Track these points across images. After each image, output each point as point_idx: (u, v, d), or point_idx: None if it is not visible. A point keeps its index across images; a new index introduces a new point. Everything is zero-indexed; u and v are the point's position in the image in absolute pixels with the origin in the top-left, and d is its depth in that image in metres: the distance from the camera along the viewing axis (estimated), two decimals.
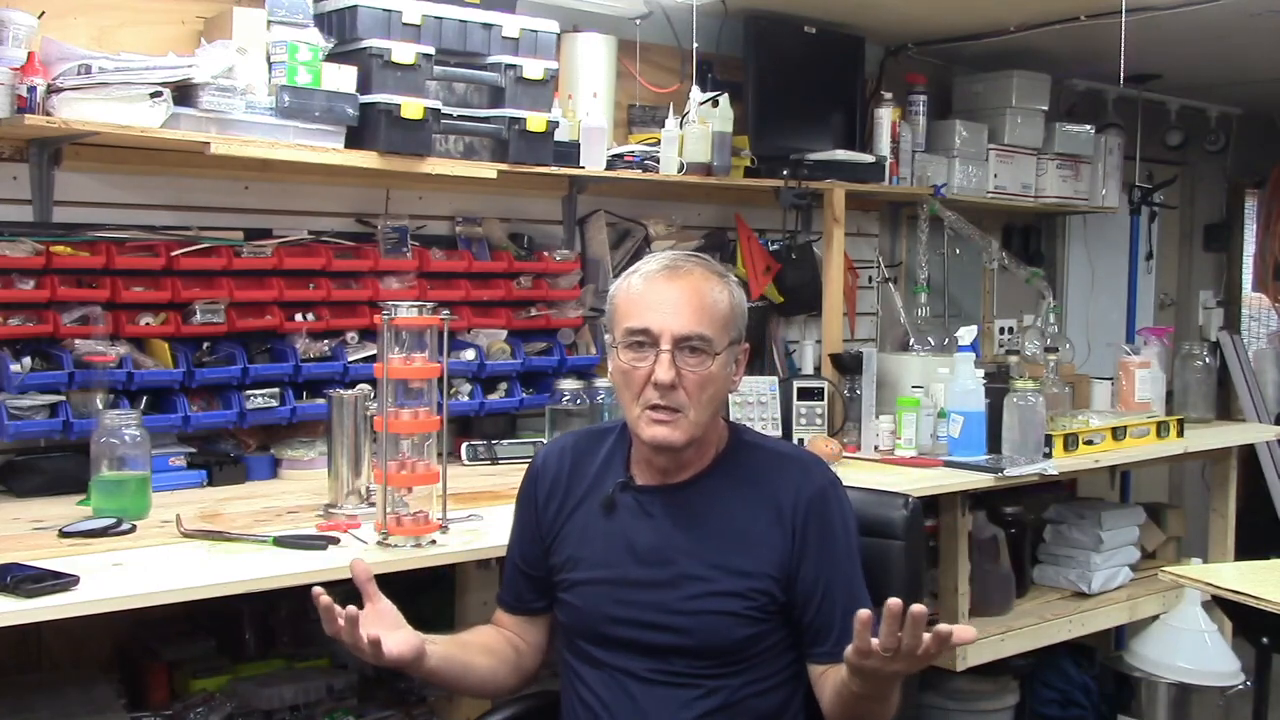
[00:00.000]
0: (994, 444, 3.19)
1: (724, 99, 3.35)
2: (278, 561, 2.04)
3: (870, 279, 4.21)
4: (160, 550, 2.08)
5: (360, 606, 1.71)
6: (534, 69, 2.87)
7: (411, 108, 2.68)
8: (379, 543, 2.14)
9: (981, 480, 3.03)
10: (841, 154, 3.70)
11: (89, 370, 2.49)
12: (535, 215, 3.34)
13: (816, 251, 3.84)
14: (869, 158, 3.80)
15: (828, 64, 3.83)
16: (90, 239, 2.58)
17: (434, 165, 2.78)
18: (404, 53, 2.67)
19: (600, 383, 3.09)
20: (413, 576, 2.19)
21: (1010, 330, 4.70)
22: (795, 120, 3.71)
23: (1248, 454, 4.89)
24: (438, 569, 2.24)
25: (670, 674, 1.79)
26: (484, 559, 2.18)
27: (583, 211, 3.43)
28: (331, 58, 2.67)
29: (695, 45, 3.31)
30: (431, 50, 2.73)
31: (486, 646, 1.92)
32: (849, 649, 1.56)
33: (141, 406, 2.56)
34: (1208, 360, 4.21)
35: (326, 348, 2.82)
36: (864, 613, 1.53)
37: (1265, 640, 2.55)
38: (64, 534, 2.13)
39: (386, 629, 1.72)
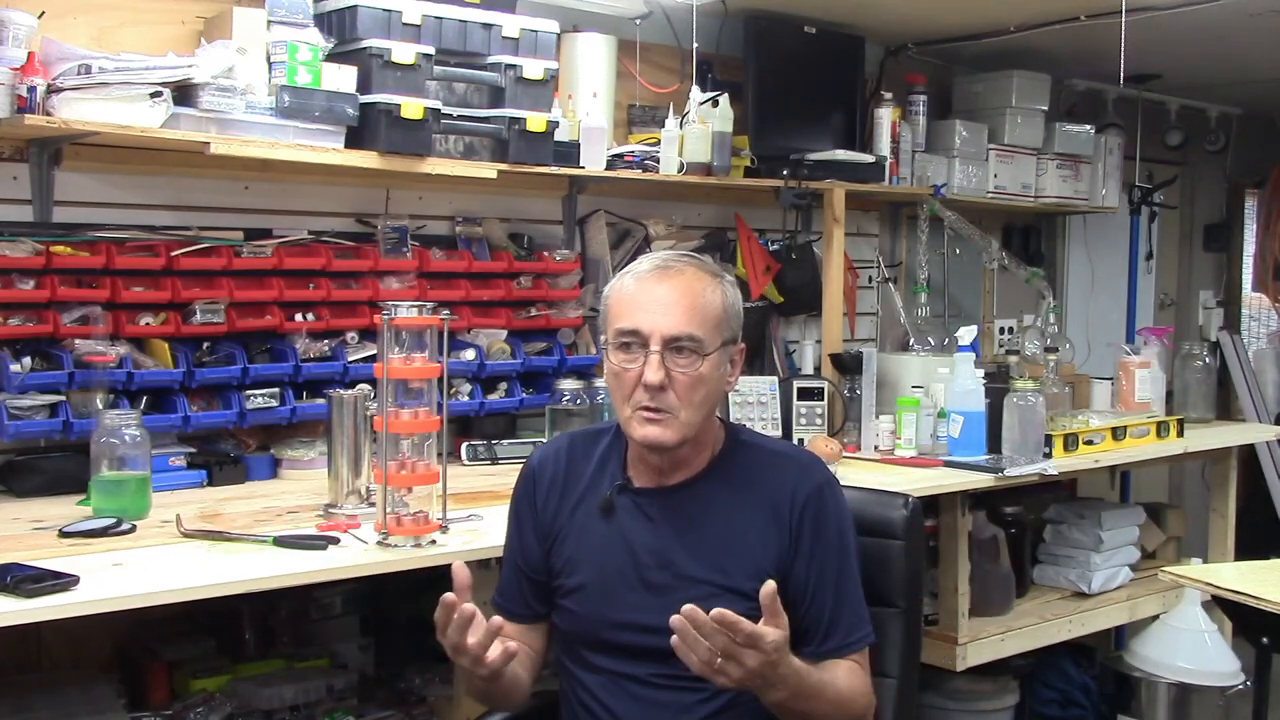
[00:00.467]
0: (994, 444, 3.19)
1: (724, 99, 3.35)
2: (278, 561, 2.04)
3: (870, 279, 4.21)
4: (160, 550, 2.08)
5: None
6: (534, 69, 2.87)
7: (411, 108, 2.68)
8: (379, 543, 2.14)
9: (981, 480, 3.03)
10: (841, 154, 3.70)
11: (89, 370, 2.49)
12: (535, 215, 3.34)
13: (816, 251, 3.84)
14: (869, 158, 3.80)
15: (828, 64, 3.83)
16: (90, 239, 2.58)
17: (434, 165, 2.78)
18: (404, 53, 2.67)
19: (600, 383, 3.09)
20: (413, 576, 2.19)
21: (1010, 330, 4.70)
22: (795, 120, 3.71)
23: (1248, 454, 4.90)
24: (438, 569, 2.24)
25: (672, 678, 1.78)
26: (484, 559, 2.18)
27: (583, 211, 3.43)
28: (331, 58, 2.67)
29: (695, 45, 3.31)
30: (431, 50, 2.73)
31: (519, 657, 1.91)
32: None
33: (141, 406, 2.56)
34: (1208, 360, 4.21)
35: (326, 348, 2.82)
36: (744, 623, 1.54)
37: (1265, 640, 2.55)
38: (64, 534, 2.13)
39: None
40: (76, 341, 2.50)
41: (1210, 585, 2.51)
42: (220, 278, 2.68)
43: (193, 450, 2.68)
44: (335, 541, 2.14)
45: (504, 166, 2.89)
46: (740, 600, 1.75)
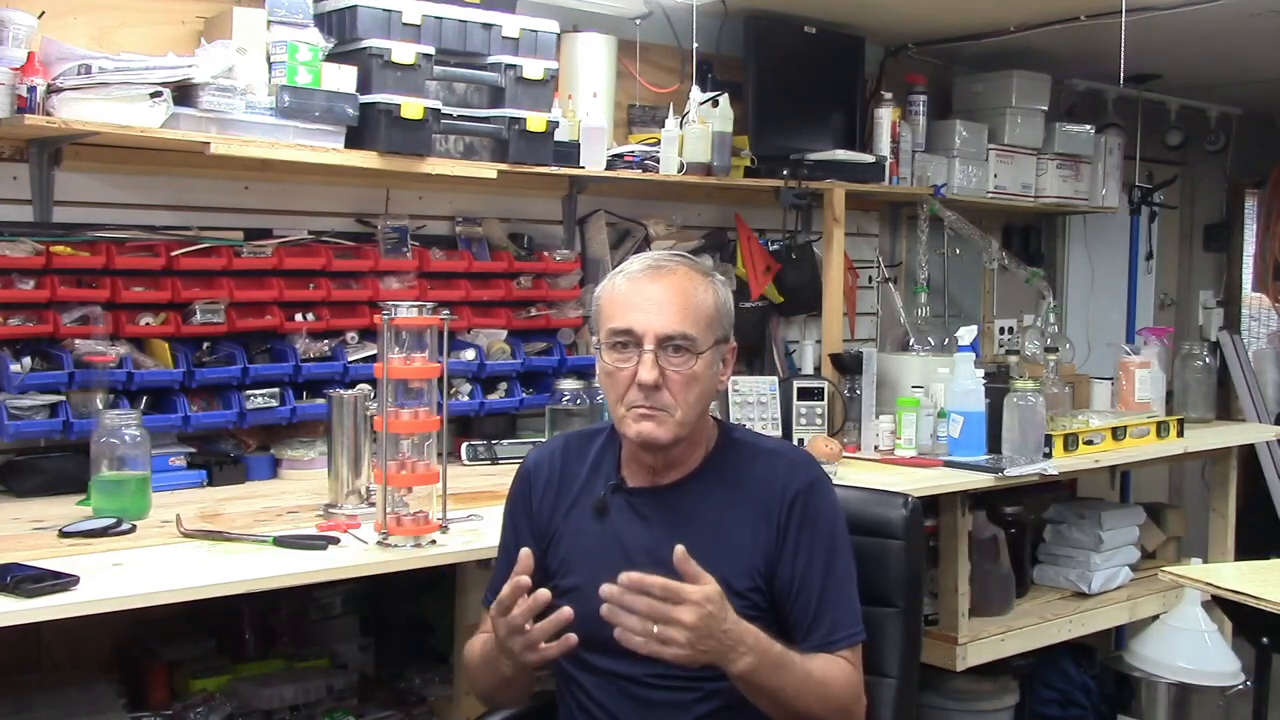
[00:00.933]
0: (994, 444, 3.19)
1: (724, 99, 3.35)
2: (278, 561, 2.04)
3: (870, 279, 4.21)
4: (160, 550, 2.08)
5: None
6: (534, 69, 2.87)
7: (411, 108, 2.68)
8: (379, 543, 2.14)
9: (981, 480, 3.03)
10: (841, 154, 3.69)
11: (89, 370, 2.49)
12: (535, 215, 3.34)
13: (816, 251, 3.84)
14: (869, 158, 3.79)
15: (828, 64, 3.83)
16: (90, 239, 2.58)
17: (434, 165, 2.78)
18: (404, 53, 2.67)
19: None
20: (413, 576, 2.19)
21: (1010, 330, 4.70)
22: (795, 120, 3.71)
23: (1248, 454, 4.90)
24: (438, 569, 2.24)
25: (668, 677, 1.78)
26: (484, 559, 2.18)
27: (583, 211, 3.43)
28: (331, 58, 2.67)
29: (695, 45, 3.31)
30: (431, 50, 2.73)
31: None
32: None
33: (141, 406, 2.56)
34: (1208, 360, 4.21)
35: (326, 348, 2.82)
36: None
37: (1265, 640, 2.55)
38: (64, 534, 2.13)
39: None
40: (76, 341, 2.50)
41: (1210, 585, 2.51)
42: (220, 278, 2.68)
43: (193, 450, 2.68)
44: (335, 541, 2.14)
45: (504, 166, 2.89)
46: (734, 599, 1.75)
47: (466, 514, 2.35)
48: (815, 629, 1.77)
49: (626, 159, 3.25)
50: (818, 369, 3.68)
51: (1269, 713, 2.71)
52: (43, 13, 2.44)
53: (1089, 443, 3.36)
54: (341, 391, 2.45)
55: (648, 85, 3.52)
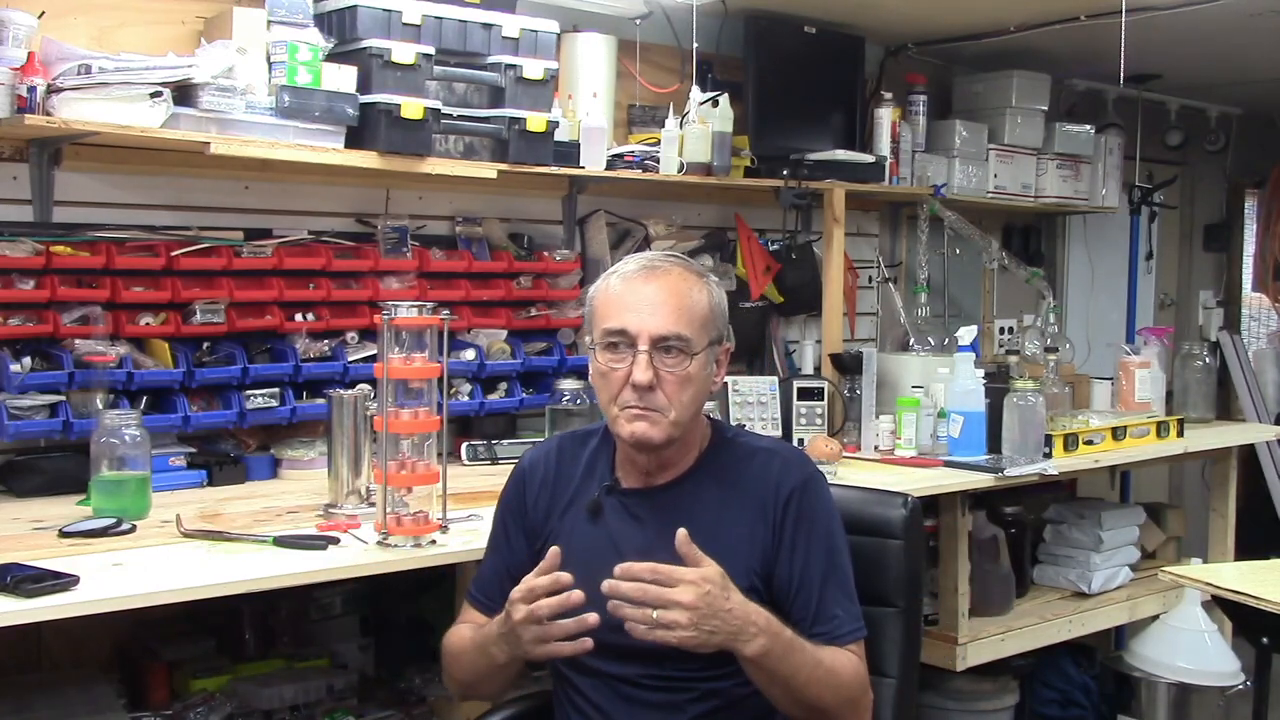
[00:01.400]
0: (994, 444, 3.19)
1: (724, 99, 3.35)
2: (278, 561, 2.04)
3: (870, 279, 4.21)
4: (160, 550, 2.08)
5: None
6: (534, 69, 2.87)
7: (411, 108, 2.68)
8: (379, 543, 2.14)
9: (981, 480, 3.03)
10: (841, 154, 3.69)
11: (89, 370, 2.49)
12: (535, 215, 3.34)
13: (816, 251, 3.84)
14: (869, 158, 3.80)
15: (828, 64, 3.83)
16: (90, 239, 2.58)
17: (434, 165, 2.78)
18: (404, 53, 2.67)
19: None
20: (413, 576, 2.19)
21: (1010, 330, 4.70)
22: (795, 120, 3.71)
23: (1248, 454, 4.89)
24: (438, 569, 2.24)
25: (663, 678, 1.78)
26: (483, 559, 2.18)
27: (583, 211, 3.43)
28: (331, 58, 2.67)
29: (695, 45, 3.31)
30: (431, 50, 2.73)
31: None
32: None
33: (141, 406, 2.56)
34: (1208, 360, 4.21)
35: (326, 348, 2.82)
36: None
37: (1265, 640, 2.55)
38: (64, 534, 2.13)
39: None
40: (76, 341, 2.50)
41: (1210, 585, 2.51)
42: (220, 278, 2.68)
43: (193, 450, 2.68)
44: (335, 541, 2.14)
45: (504, 166, 2.89)
46: None
47: (466, 514, 2.35)
48: (817, 625, 1.76)
49: (626, 159, 3.24)
50: (818, 369, 3.68)
51: (1269, 713, 2.71)
52: (43, 13, 2.44)
53: (1089, 443, 3.36)
54: (341, 391, 2.45)
55: (648, 85, 3.52)
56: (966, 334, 3.26)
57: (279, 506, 2.47)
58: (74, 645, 2.50)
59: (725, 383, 3.04)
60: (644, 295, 1.77)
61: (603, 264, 3.38)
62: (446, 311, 2.15)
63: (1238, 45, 4.07)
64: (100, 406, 2.47)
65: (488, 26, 2.84)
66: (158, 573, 1.94)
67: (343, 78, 2.63)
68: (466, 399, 3.01)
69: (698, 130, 3.28)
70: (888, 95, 3.93)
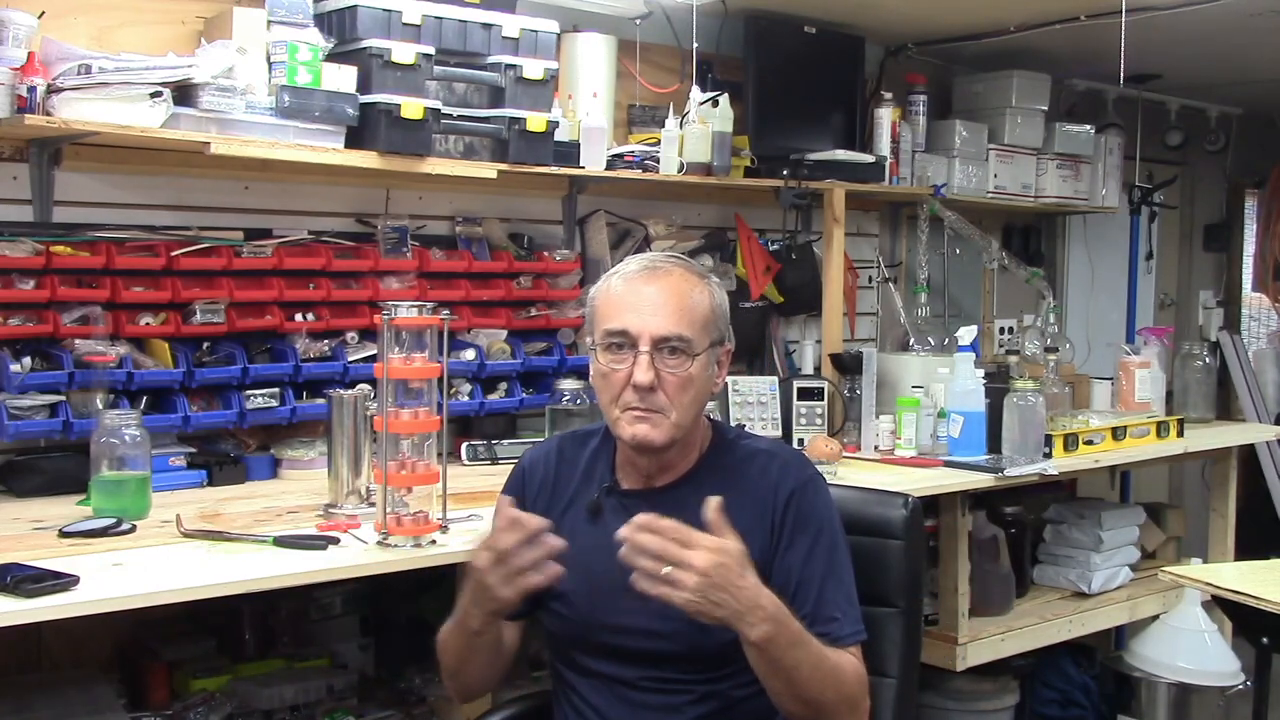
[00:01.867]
0: (994, 444, 3.19)
1: (724, 99, 3.35)
2: (278, 561, 2.04)
3: (870, 279, 4.21)
4: (160, 550, 2.08)
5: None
6: (534, 69, 2.87)
7: (411, 108, 2.68)
8: (379, 543, 2.14)
9: (981, 480, 3.03)
10: (841, 154, 3.69)
11: (89, 370, 2.49)
12: (535, 215, 3.34)
13: (816, 251, 3.84)
14: (869, 158, 3.80)
15: (828, 64, 3.83)
16: (90, 239, 2.58)
17: (434, 165, 2.78)
18: (404, 53, 2.67)
19: None
20: (413, 576, 2.19)
21: (1010, 330, 4.70)
22: (795, 120, 3.71)
23: (1248, 454, 4.90)
24: (438, 569, 2.24)
25: (662, 680, 1.78)
26: None
27: (583, 211, 3.43)
28: (331, 58, 2.67)
29: (695, 45, 3.31)
30: (431, 50, 2.73)
31: (493, 647, 1.91)
32: None
33: (141, 406, 2.56)
34: (1208, 360, 4.21)
35: (326, 348, 2.82)
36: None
37: (1265, 640, 2.55)
38: (64, 534, 2.13)
39: None
40: (76, 341, 2.50)
41: (1210, 585, 2.51)
42: (220, 278, 2.68)
43: (193, 450, 2.68)
44: (335, 541, 2.14)
45: (504, 166, 2.89)
46: None
47: (466, 514, 2.35)
48: (817, 626, 1.74)
49: (626, 159, 3.24)
50: (818, 369, 3.68)
51: (1269, 713, 2.71)
52: (43, 13, 2.44)
53: (1089, 443, 3.36)
54: (341, 391, 2.45)
55: (648, 85, 3.52)
56: (966, 334, 3.26)
57: (279, 506, 2.47)
58: (74, 645, 2.50)
59: (725, 383, 3.04)
60: (646, 296, 1.77)
61: (603, 264, 3.38)
62: (446, 311, 2.15)
63: (1238, 45, 4.07)
64: (100, 406, 2.47)
65: (488, 26, 2.84)
66: (158, 573, 1.94)
67: (343, 78, 2.63)
68: (466, 399, 3.01)
69: (698, 130, 3.28)
70: (888, 95, 3.93)
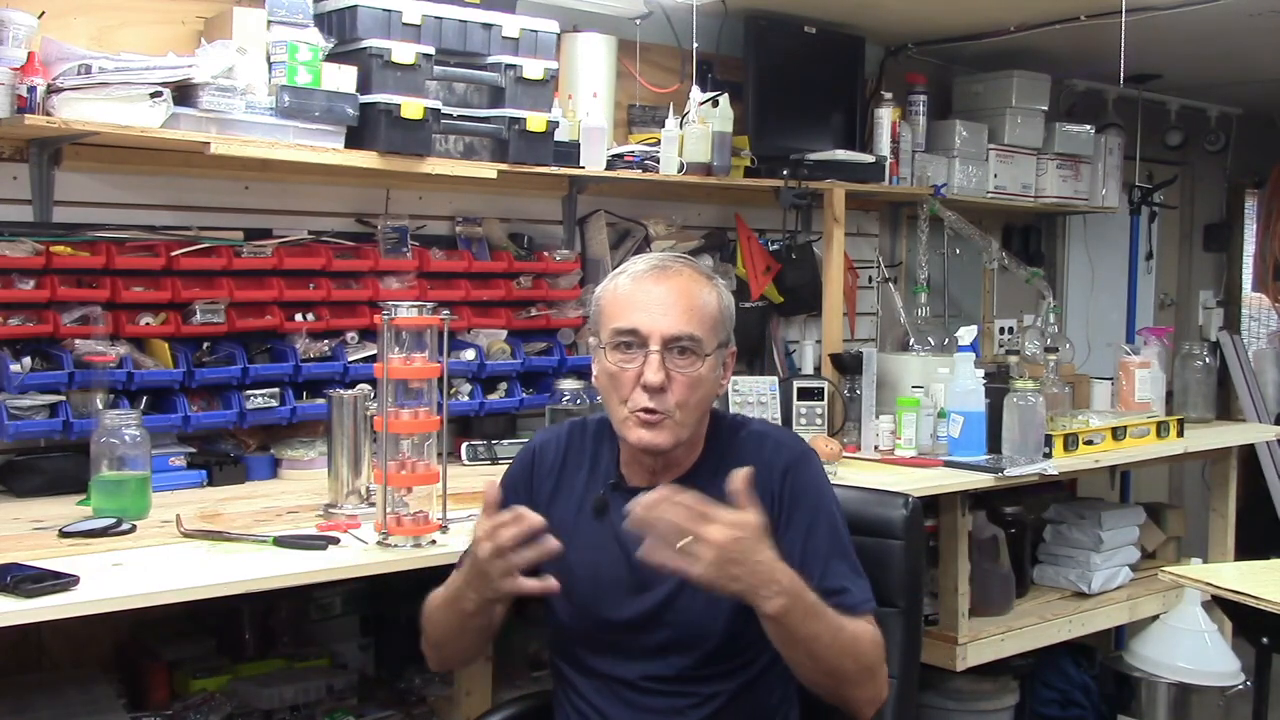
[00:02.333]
0: (994, 444, 3.19)
1: (724, 99, 3.35)
2: (278, 561, 2.04)
3: (870, 279, 4.21)
4: (160, 550, 2.08)
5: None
6: (534, 69, 2.87)
7: (411, 108, 2.68)
8: (379, 543, 2.14)
9: (981, 480, 3.03)
10: (841, 154, 3.69)
11: (89, 370, 2.49)
12: (535, 215, 3.34)
13: (816, 251, 3.84)
14: (869, 158, 3.80)
15: (828, 64, 3.83)
16: (90, 239, 2.58)
17: (434, 165, 2.78)
18: (404, 53, 2.67)
19: None
20: (413, 576, 2.19)
21: (1010, 330, 4.70)
22: (795, 120, 3.71)
23: (1248, 454, 4.89)
24: (438, 569, 2.23)
25: (664, 679, 1.78)
26: None
27: (583, 211, 3.43)
28: (331, 58, 2.67)
29: (695, 45, 3.31)
30: (431, 50, 2.73)
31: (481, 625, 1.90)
32: None
33: (141, 406, 2.56)
34: (1208, 360, 4.21)
35: (326, 348, 2.82)
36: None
37: (1265, 640, 2.55)
38: (64, 534, 2.13)
39: None
40: (76, 341, 2.50)
41: (1210, 585, 2.51)
42: (220, 278, 2.68)
43: (193, 450, 2.68)
44: (335, 541, 2.14)
45: (504, 166, 2.89)
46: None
47: (466, 514, 2.35)
48: (827, 599, 1.71)
49: (626, 159, 3.25)
50: (818, 369, 3.68)
51: (1269, 713, 2.70)
52: (43, 13, 2.44)
53: (1089, 443, 3.36)
54: (341, 391, 2.45)
55: (648, 85, 3.52)
56: (966, 334, 3.26)
57: (279, 506, 2.47)
58: (74, 645, 2.50)
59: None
60: (655, 295, 1.76)
61: (603, 264, 3.38)
62: (446, 311, 2.15)
63: (1238, 45, 4.07)
64: (100, 406, 2.47)
65: (488, 26, 2.84)
66: (158, 573, 1.94)
67: (343, 78, 2.63)
68: (466, 399, 3.01)
69: (698, 130, 3.29)
70: (888, 95, 3.93)
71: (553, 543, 1.66)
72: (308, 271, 2.81)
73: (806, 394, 3.33)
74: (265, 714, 2.46)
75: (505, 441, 3.09)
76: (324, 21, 2.71)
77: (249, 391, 2.70)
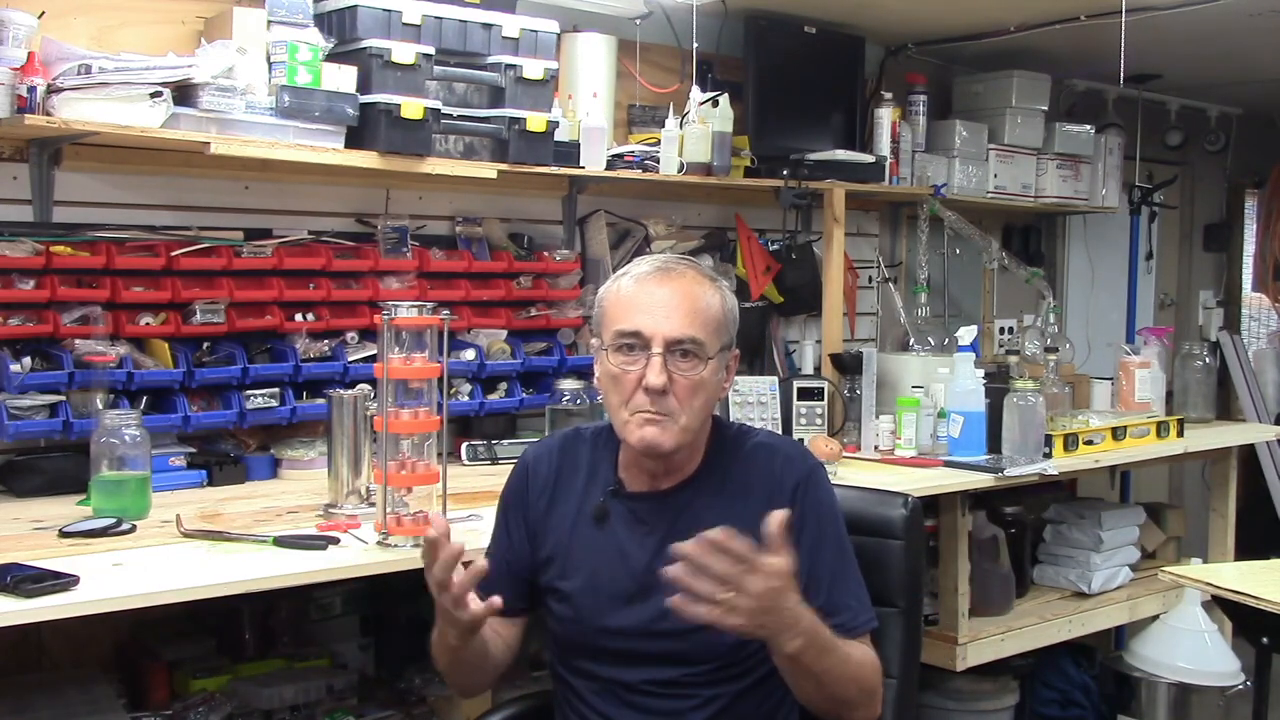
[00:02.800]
0: (994, 444, 3.19)
1: (724, 99, 3.35)
2: (278, 561, 2.04)
3: (870, 279, 4.21)
4: (160, 550, 2.08)
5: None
6: (534, 69, 2.87)
7: (411, 108, 2.68)
8: (379, 543, 2.14)
9: (981, 480, 3.03)
10: (841, 154, 3.70)
11: (89, 370, 2.49)
12: (535, 215, 3.34)
13: (816, 251, 3.84)
14: (869, 158, 3.80)
15: (828, 64, 3.83)
16: (90, 239, 2.58)
17: (434, 165, 2.78)
18: (404, 53, 2.67)
19: None
20: (413, 576, 2.19)
21: (1010, 330, 4.70)
22: (795, 120, 3.71)
23: (1248, 454, 4.89)
24: None
25: (665, 684, 1.77)
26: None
27: (583, 211, 3.43)
28: (331, 58, 2.67)
29: (695, 45, 3.31)
30: (431, 50, 2.73)
31: (488, 640, 1.91)
32: None
33: (141, 406, 2.56)
34: (1208, 360, 4.21)
35: (326, 348, 2.82)
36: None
37: (1265, 640, 2.55)
38: (64, 534, 2.13)
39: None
40: (76, 341, 2.50)
41: (1210, 585, 2.51)
42: (220, 278, 2.68)
43: (193, 450, 2.68)
44: (335, 541, 2.14)
45: (504, 166, 2.89)
46: None
47: (466, 514, 2.35)
48: (832, 617, 1.72)
49: (626, 159, 3.25)
50: (818, 369, 3.68)
51: (1269, 713, 2.71)
52: (43, 13, 2.44)
53: (1089, 443, 3.36)
54: (341, 391, 2.45)
55: (648, 85, 3.52)
56: (966, 334, 3.26)
57: (279, 506, 2.47)
58: (74, 645, 2.50)
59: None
60: (658, 297, 1.75)
61: (603, 264, 3.38)
62: (446, 311, 2.15)
63: (1238, 45, 4.07)
64: (100, 406, 2.47)
65: (488, 26, 2.84)
66: (158, 573, 1.94)
67: (343, 78, 2.63)
68: (466, 399, 3.01)
69: (698, 130, 3.29)
70: (888, 95, 3.93)
71: (481, 564, 1.63)
72: (308, 271, 2.81)
73: (806, 394, 3.33)
74: (265, 714, 2.46)
75: (505, 441, 3.09)
76: (324, 21, 2.71)
77: (249, 391, 2.70)
